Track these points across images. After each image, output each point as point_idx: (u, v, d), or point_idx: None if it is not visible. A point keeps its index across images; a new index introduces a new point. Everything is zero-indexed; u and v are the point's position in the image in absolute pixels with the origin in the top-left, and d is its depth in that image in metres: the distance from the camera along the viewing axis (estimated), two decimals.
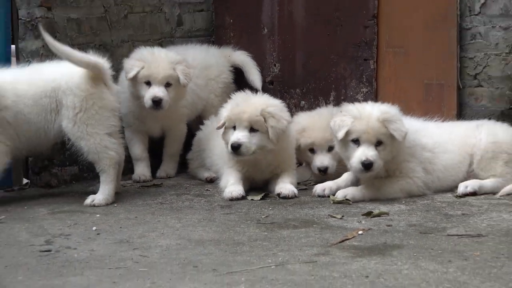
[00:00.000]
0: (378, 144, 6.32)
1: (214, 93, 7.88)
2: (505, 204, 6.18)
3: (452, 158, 6.63)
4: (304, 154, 7.06)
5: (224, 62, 8.00)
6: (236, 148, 6.51)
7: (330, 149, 6.88)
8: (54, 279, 4.72)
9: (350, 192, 6.39)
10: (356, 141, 6.33)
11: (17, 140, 6.45)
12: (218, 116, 6.79)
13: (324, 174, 6.91)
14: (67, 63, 6.42)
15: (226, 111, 6.66)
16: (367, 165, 6.25)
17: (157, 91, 7.03)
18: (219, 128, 6.65)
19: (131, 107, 7.30)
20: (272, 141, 6.60)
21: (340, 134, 6.30)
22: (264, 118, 6.57)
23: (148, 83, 7.08)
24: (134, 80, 7.08)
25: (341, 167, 6.82)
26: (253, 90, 7.39)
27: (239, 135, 6.54)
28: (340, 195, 6.40)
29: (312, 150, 6.99)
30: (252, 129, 6.58)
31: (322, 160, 6.94)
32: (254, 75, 8.07)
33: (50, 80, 6.47)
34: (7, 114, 6.36)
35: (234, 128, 6.60)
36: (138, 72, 7.05)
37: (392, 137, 6.28)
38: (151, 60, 7.09)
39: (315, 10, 7.91)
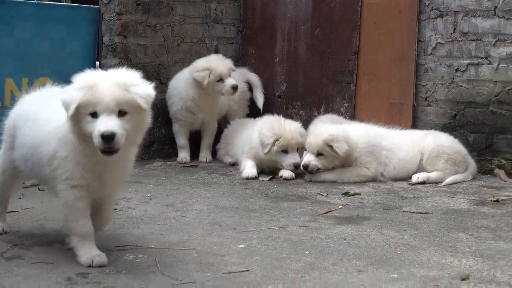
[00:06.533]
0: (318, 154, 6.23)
1: (234, 100, 7.67)
2: (445, 191, 6.00)
3: (405, 155, 6.43)
4: None
5: (240, 77, 7.73)
6: (305, 167, 6.23)
7: None
8: (118, 230, 4.63)
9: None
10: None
11: None
12: (264, 140, 6.42)
13: None
14: None
15: (270, 139, 6.41)
16: (305, 167, 6.24)
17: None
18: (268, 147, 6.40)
19: (183, 105, 7.12)
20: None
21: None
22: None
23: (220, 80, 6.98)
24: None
25: None
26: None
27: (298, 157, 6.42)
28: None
29: None
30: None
31: None
32: (259, 95, 7.83)
33: None
34: None
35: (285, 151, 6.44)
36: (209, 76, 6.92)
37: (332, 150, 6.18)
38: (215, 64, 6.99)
39: (313, 47, 7.78)
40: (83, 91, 3.66)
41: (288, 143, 6.41)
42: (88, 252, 3.85)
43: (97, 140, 3.60)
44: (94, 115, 3.64)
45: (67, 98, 3.68)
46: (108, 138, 3.57)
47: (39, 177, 4.14)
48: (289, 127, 6.45)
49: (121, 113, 3.66)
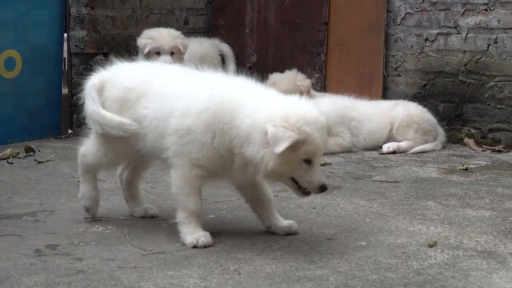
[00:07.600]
0: None
1: None
2: (414, 160, 6.07)
3: (375, 126, 6.50)
4: None
5: (214, 49, 7.70)
6: None
7: None
8: None
9: None
10: None
11: None
12: None
13: None
14: None
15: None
16: None
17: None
18: None
19: None
20: None
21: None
22: None
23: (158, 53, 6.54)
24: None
25: None
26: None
27: None
28: None
29: None
30: None
31: None
32: (230, 65, 7.75)
33: None
34: None
35: None
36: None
37: None
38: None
39: (283, 17, 7.77)
40: (302, 135, 3.54)
41: None
42: (193, 232, 3.75)
43: (314, 188, 3.62)
44: (308, 160, 3.60)
45: (280, 136, 3.49)
46: (326, 190, 3.68)
47: (153, 151, 3.91)
48: None
49: None
